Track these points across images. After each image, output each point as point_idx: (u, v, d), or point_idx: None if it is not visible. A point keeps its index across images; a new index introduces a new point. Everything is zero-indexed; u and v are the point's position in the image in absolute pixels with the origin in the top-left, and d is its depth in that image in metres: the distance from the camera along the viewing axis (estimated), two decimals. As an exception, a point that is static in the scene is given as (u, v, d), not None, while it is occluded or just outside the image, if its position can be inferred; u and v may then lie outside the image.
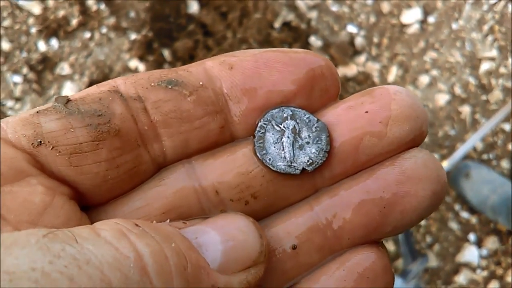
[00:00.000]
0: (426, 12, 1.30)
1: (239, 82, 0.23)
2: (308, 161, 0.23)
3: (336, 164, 0.23)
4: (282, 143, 0.24)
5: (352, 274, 0.23)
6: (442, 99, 1.25)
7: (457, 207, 1.21)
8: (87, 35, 1.24)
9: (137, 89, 0.22)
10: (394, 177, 0.22)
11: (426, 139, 1.23)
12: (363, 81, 1.27)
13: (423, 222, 1.19)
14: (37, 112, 0.21)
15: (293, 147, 0.24)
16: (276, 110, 0.24)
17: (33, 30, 1.23)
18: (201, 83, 0.22)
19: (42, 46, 1.22)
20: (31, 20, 1.23)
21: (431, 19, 1.29)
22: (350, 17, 1.29)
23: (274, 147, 0.24)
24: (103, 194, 0.22)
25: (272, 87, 0.23)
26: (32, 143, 0.20)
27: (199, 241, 0.19)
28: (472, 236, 1.19)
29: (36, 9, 1.23)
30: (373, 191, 0.22)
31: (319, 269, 0.23)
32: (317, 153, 0.23)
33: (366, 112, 0.23)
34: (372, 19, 1.30)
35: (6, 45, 1.21)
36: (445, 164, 1.15)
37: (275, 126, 0.24)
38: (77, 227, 0.17)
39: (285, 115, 0.24)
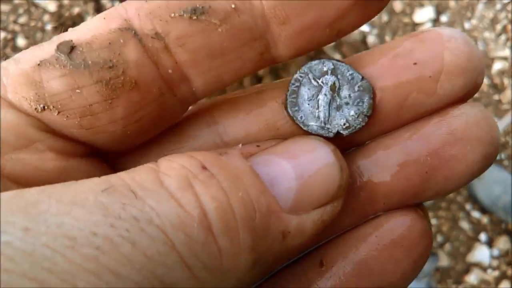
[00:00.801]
0: (439, 11, 1.30)
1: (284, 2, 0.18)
2: (344, 124, 0.20)
3: (375, 125, 0.21)
4: (318, 100, 0.21)
5: (385, 241, 0.21)
6: (454, 98, 1.25)
7: (468, 206, 1.20)
8: (102, 32, 1.25)
9: (154, 23, 0.17)
10: (440, 137, 0.20)
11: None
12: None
13: (434, 221, 1.19)
14: (38, 64, 0.17)
15: (329, 106, 0.21)
16: (316, 61, 0.21)
17: (48, 27, 1.24)
18: (233, 5, 0.18)
19: (57, 42, 1.24)
20: (46, 17, 1.24)
21: (443, 18, 1.29)
22: (363, 16, 1.30)
23: (308, 104, 0.20)
24: (125, 145, 0.20)
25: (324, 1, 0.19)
26: (36, 108, 0.18)
27: (271, 177, 0.17)
28: (483, 236, 1.19)
29: (51, 6, 1.25)
30: (415, 152, 0.20)
31: (350, 233, 0.21)
32: (356, 116, 0.20)
33: (415, 63, 0.20)
34: (385, 18, 1.30)
35: (22, 42, 1.23)
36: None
37: (312, 81, 0.21)
38: (140, 171, 0.15)
39: (325, 68, 0.21)
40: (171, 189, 0.15)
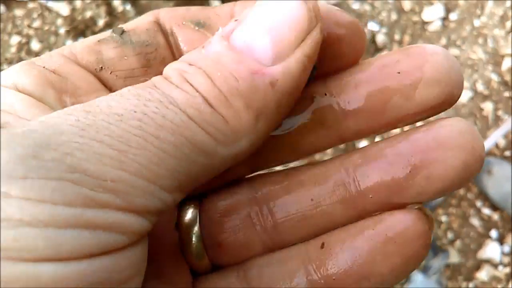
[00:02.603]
0: (448, 9, 1.30)
1: None
2: None
3: (363, 118, 0.24)
4: None
5: (380, 235, 0.23)
6: (464, 95, 1.25)
7: (479, 203, 1.21)
8: (114, 35, 1.27)
9: (171, 25, 0.25)
10: (425, 142, 0.22)
11: (448, 136, 1.23)
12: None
13: (444, 218, 1.20)
14: (98, 41, 0.24)
15: None
16: None
17: (62, 30, 1.26)
18: (221, 28, 0.22)
19: (70, 46, 1.26)
20: (59, 21, 1.26)
21: (453, 16, 1.29)
22: (372, 14, 1.30)
23: None
24: None
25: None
26: (95, 68, 0.24)
27: (247, 44, 0.20)
28: (494, 233, 1.19)
29: (64, 10, 1.27)
30: (403, 154, 0.22)
31: (352, 225, 0.24)
32: None
33: (398, 73, 0.23)
34: (394, 16, 1.30)
35: (36, 46, 1.25)
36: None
37: None
38: (153, 77, 0.21)
39: None
40: (175, 82, 0.20)
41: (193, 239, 0.25)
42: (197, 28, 0.25)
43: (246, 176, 0.26)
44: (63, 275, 0.15)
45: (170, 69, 0.21)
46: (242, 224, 0.25)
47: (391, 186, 0.23)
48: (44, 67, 0.23)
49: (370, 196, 0.23)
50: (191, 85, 0.20)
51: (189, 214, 0.25)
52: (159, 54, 0.25)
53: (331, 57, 0.24)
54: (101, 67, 0.24)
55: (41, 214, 0.15)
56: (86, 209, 0.16)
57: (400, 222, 0.23)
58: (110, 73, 0.24)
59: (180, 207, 0.25)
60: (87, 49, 0.24)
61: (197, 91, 0.19)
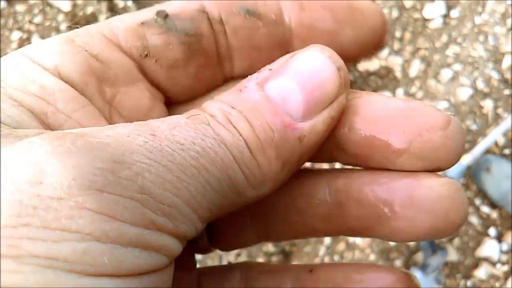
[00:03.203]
0: (449, 6, 1.29)
1: (306, 24, 0.24)
2: None
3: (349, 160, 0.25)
4: None
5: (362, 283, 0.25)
6: (464, 93, 1.25)
7: (477, 201, 1.21)
8: (114, 31, 1.27)
9: (220, 12, 0.24)
10: (401, 196, 0.23)
11: (448, 134, 1.23)
12: (385, 75, 1.28)
13: (443, 216, 1.20)
14: (142, 23, 0.23)
15: None
16: None
17: (63, 26, 1.27)
18: (273, 16, 0.24)
19: (71, 42, 1.27)
20: (60, 17, 1.27)
21: (454, 13, 1.29)
22: (372, 11, 1.30)
23: None
24: (185, 99, 0.26)
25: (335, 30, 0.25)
26: (141, 55, 0.23)
27: (282, 97, 0.22)
28: (492, 231, 1.19)
29: (66, 6, 1.27)
30: (380, 199, 0.23)
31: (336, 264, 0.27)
32: None
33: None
34: (395, 13, 1.30)
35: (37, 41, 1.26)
36: (467, 159, 1.15)
37: None
38: (196, 112, 0.22)
39: None
40: (221, 122, 0.21)
41: None
42: (247, 16, 0.24)
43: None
44: None
45: (214, 108, 0.21)
46: None
47: (366, 224, 0.24)
48: (86, 50, 0.22)
49: (348, 224, 0.24)
50: (235, 128, 0.21)
51: None
52: (202, 45, 0.24)
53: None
54: (146, 54, 0.23)
55: (111, 231, 0.16)
56: (146, 230, 0.17)
57: (381, 279, 0.25)
58: (155, 62, 0.24)
59: None
60: (131, 32, 0.23)
61: (241, 135, 0.21)
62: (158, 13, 0.23)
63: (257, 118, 0.21)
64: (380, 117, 0.23)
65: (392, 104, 0.23)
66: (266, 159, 0.21)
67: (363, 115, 0.23)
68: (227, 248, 0.29)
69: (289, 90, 0.21)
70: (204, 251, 0.29)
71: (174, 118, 0.20)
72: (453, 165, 0.23)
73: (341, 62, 0.22)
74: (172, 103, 0.26)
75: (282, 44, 0.25)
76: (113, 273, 0.16)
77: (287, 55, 0.22)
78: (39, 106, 0.21)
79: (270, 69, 0.22)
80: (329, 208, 0.25)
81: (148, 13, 0.24)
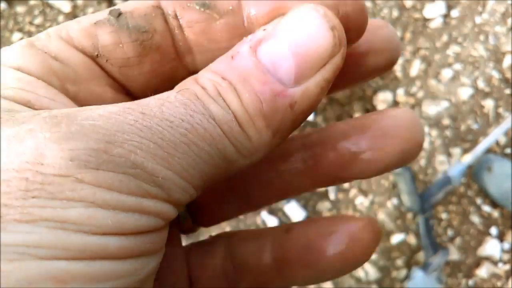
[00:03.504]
0: (450, 6, 1.29)
1: (266, 10, 0.23)
2: None
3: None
4: None
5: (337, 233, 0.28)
6: (465, 93, 1.25)
7: (479, 201, 1.21)
8: (115, 32, 1.27)
9: (175, 8, 0.24)
10: (372, 130, 0.26)
11: (449, 133, 1.23)
12: (385, 75, 1.28)
13: (444, 216, 1.20)
14: (95, 23, 0.23)
15: None
16: None
17: (63, 27, 1.27)
18: (231, 7, 0.23)
19: (72, 43, 1.26)
20: (61, 18, 1.27)
21: (454, 13, 1.29)
22: (373, 12, 1.30)
23: None
24: (147, 93, 0.25)
25: None
26: (91, 55, 0.24)
27: (273, 61, 0.21)
28: (494, 230, 1.19)
29: (66, 7, 1.27)
30: (352, 138, 0.27)
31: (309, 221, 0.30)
32: None
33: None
34: (395, 13, 1.30)
35: (37, 43, 1.26)
36: (468, 158, 1.16)
37: None
38: (186, 85, 0.22)
39: None
40: (211, 95, 0.21)
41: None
42: (202, 9, 0.24)
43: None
44: (125, 245, 0.19)
45: (206, 79, 0.22)
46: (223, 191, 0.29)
47: (340, 164, 0.27)
48: (45, 52, 0.23)
49: (323, 171, 0.27)
50: (224, 101, 0.21)
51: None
52: (155, 42, 0.24)
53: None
54: (97, 54, 0.24)
55: (111, 200, 0.18)
56: (142, 199, 0.19)
57: (349, 228, 0.27)
58: (106, 61, 0.24)
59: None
60: (83, 33, 0.23)
61: (230, 109, 0.21)
62: (111, 12, 0.24)
63: (246, 89, 0.21)
64: None
65: None
66: (256, 130, 0.21)
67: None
68: (209, 223, 0.31)
69: (281, 54, 0.21)
70: (189, 231, 0.31)
71: (164, 94, 0.21)
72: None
73: (335, 20, 0.21)
74: (138, 96, 0.26)
75: (242, 34, 0.24)
76: (117, 232, 0.19)
77: (280, 16, 0.22)
78: (21, 96, 0.22)
79: (264, 29, 0.22)
80: (305, 162, 0.28)
81: (104, 12, 0.24)
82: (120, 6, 0.24)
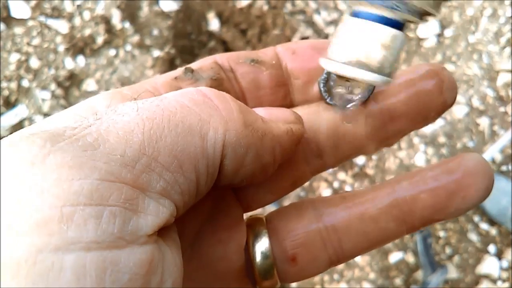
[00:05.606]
0: (443, 26, 1.31)
1: (298, 65, 0.30)
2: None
3: None
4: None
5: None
6: (460, 111, 1.26)
7: (476, 218, 1.21)
8: (112, 52, 1.28)
9: (230, 63, 0.30)
10: (458, 172, 0.28)
11: (445, 151, 1.24)
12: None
13: (442, 234, 1.20)
14: (176, 78, 0.29)
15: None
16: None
17: (61, 48, 1.27)
18: (273, 62, 0.30)
19: (69, 63, 1.27)
20: (58, 39, 1.27)
21: (448, 33, 1.31)
22: (368, 31, 1.31)
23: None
24: None
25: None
26: None
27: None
28: (492, 248, 1.19)
29: (64, 28, 1.28)
30: (443, 181, 0.29)
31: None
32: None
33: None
34: (389, 33, 1.32)
35: (35, 63, 1.26)
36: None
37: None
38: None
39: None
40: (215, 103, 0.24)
41: (262, 258, 0.29)
42: (252, 63, 0.30)
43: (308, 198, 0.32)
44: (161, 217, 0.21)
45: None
46: (312, 240, 0.29)
47: (435, 207, 0.29)
48: (135, 98, 0.26)
49: (419, 213, 0.29)
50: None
51: (260, 235, 0.29)
52: (224, 87, 0.29)
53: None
54: None
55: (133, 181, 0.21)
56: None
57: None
58: None
59: (249, 229, 0.30)
60: (168, 85, 0.28)
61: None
62: (186, 69, 0.29)
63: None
64: None
65: None
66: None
67: None
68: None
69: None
70: None
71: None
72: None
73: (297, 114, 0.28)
74: None
75: (282, 82, 0.31)
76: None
77: None
78: None
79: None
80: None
81: (177, 71, 0.29)
82: (190, 65, 0.30)
